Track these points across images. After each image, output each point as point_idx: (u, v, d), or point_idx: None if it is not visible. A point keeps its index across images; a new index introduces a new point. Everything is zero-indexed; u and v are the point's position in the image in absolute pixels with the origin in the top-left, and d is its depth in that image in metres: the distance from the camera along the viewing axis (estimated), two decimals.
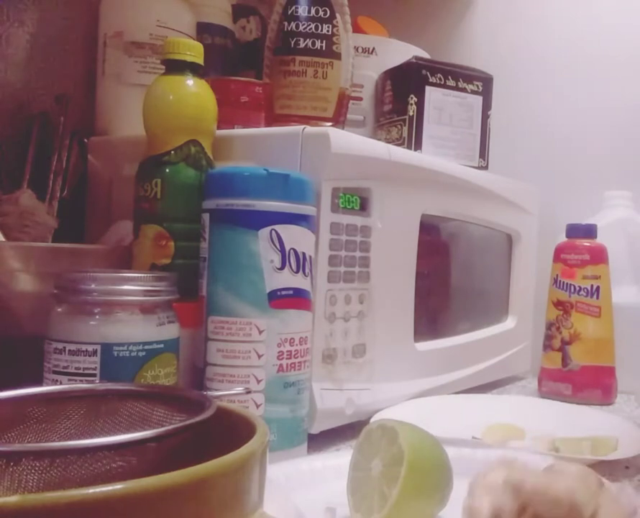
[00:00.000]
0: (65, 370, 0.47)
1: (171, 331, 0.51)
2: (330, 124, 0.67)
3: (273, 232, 0.53)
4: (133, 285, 0.49)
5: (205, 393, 0.41)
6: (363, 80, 0.88)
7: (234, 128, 0.71)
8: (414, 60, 0.83)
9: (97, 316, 0.48)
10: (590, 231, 0.91)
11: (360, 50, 0.89)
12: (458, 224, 0.85)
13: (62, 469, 0.30)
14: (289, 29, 0.67)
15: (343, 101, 0.69)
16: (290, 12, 0.67)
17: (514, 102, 1.11)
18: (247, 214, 0.53)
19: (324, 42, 0.67)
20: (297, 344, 0.55)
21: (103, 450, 0.30)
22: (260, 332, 0.53)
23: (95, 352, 0.47)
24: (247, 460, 0.29)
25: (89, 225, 0.80)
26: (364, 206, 0.66)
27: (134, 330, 0.48)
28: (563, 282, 0.91)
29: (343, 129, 0.68)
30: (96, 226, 0.77)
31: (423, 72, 0.83)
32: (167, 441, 0.32)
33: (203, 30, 0.88)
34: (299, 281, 0.54)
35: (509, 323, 0.99)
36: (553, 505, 0.36)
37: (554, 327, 0.92)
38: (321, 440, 0.61)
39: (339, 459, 0.51)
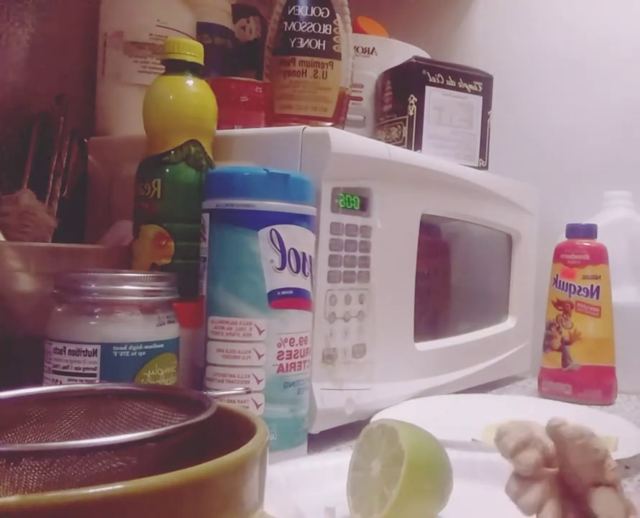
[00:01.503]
0: (65, 370, 0.47)
1: (171, 331, 0.51)
2: (330, 124, 0.67)
3: (273, 232, 0.53)
4: (133, 285, 0.49)
5: (205, 393, 0.41)
6: (363, 80, 0.88)
7: (234, 128, 0.71)
8: (414, 60, 0.83)
9: (97, 316, 0.48)
10: (590, 231, 0.91)
11: (360, 49, 0.89)
12: (458, 224, 0.85)
13: (62, 469, 0.30)
14: (289, 29, 0.67)
15: (343, 101, 0.69)
16: (290, 12, 0.67)
17: (514, 102, 1.11)
18: (247, 214, 0.53)
19: (324, 42, 0.67)
20: (297, 344, 0.55)
21: (103, 450, 0.30)
22: (260, 332, 0.53)
23: (95, 352, 0.47)
24: (247, 460, 0.29)
25: (89, 225, 0.80)
26: (364, 206, 0.66)
27: (134, 330, 0.48)
28: (563, 282, 0.91)
29: (343, 129, 0.68)
30: (95, 226, 0.77)
31: (423, 72, 0.83)
32: (167, 441, 0.32)
33: (203, 30, 0.88)
34: (299, 281, 0.54)
35: (509, 323, 0.99)
36: (586, 454, 0.35)
37: (554, 327, 0.92)
38: (321, 440, 0.61)
39: (339, 459, 0.51)
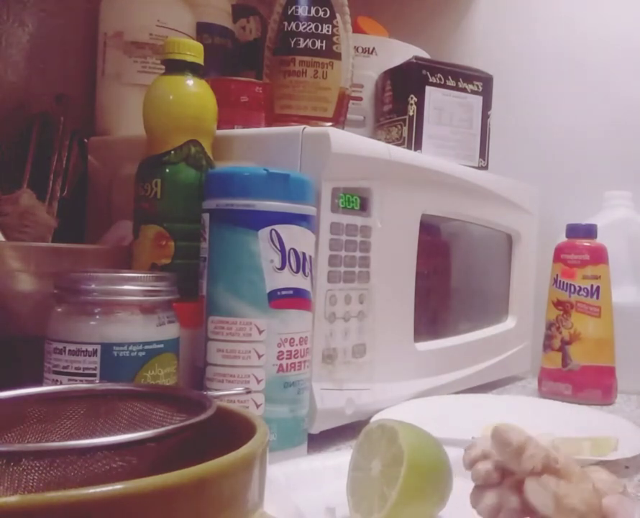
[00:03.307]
0: (65, 370, 0.47)
1: (171, 331, 0.51)
2: (330, 124, 0.67)
3: (273, 232, 0.53)
4: (133, 285, 0.49)
5: (205, 393, 0.41)
6: (363, 80, 0.88)
7: (234, 128, 0.71)
8: (414, 60, 0.83)
9: (97, 316, 0.48)
10: (590, 231, 0.91)
11: (360, 49, 0.89)
12: (458, 224, 0.85)
13: (62, 469, 0.30)
14: (289, 29, 0.67)
15: (343, 101, 0.69)
16: (290, 12, 0.67)
17: (514, 102, 1.11)
18: (246, 214, 0.53)
19: (324, 42, 0.67)
20: (297, 344, 0.55)
21: (103, 450, 0.30)
22: (260, 332, 0.53)
23: (95, 352, 0.47)
24: (247, 460, 0.29)
25: (89, 225, 0.80)
26: (364, 206, 0.66)
27: (134, 330, 0.48)
28: (563, 282, 0.91)
29: (343, 129, 0.68)
30: (95, 226, 0.77)
31: (423, 72, 0.83)
32: (167, 441, 0.32)
33: (203, 30, 0.88)
34: (299, 281, 0.54)
35: (509, 323, 0.99)
36: (503, 449, 0.37)
37: (554, 327, 0.92)
38: (321, 440, 0.61)
39: (339, 459, 0.51)
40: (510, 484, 0.37)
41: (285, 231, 0.53)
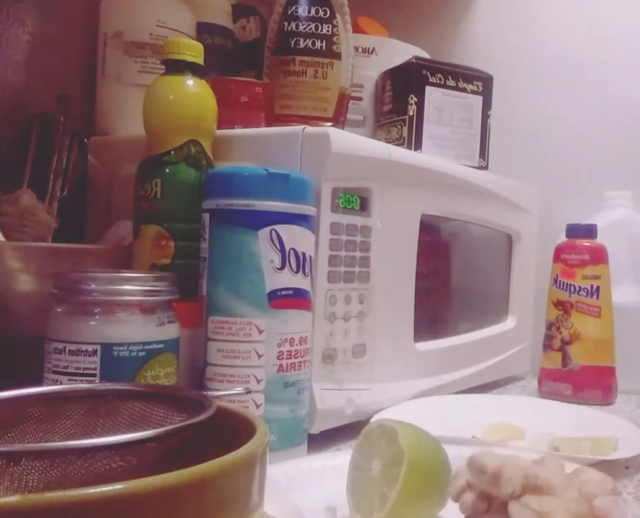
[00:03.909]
0: (65, 370, 0.47)
1: (171, 331, 0.51)
2: (330, 124, 0.67)
3: (273, 232, 0.53)
4: (133, 285, 0.49)
5: (205, 393, 0.41)
6: (363, 80, 0.88)
7: (234, 128, 0.71)
8: (414, 60, 0.83)
9: (97, 316, 0.48)
10: (590, 231, 0.91)
11: (360, 49, 0.89)
12: (458, 224, 0.85)
13: (62, 469, 0.30)
14: (289, 29, 0.67)
15: (343, 101, 0.69)
16: (290, 12, 0.67)
17: (514, 102, 1.11)
18: (247, 214, 0.53)
19: (324, 42, 0.67)
20: (297, 344, 0.55)
21: (103, 450, 0.30)
22: (260, 332, 0.53)
23: (95, 352, 0.47)
24: (247, 460, 0.29)
25: (89, 225, 0.80)
26: (364, 206, 0.66)
27: (134, 330, 0.48)
28: (563, 282, 0.91)
29: (343, 129, 0.68)
30: (95, 226, 0.77)
31: (423, 72, 0.83)
32: (167, 441, 0.32)
33: (203, 30, 0.88)
34: (299, 281, 0.54)
35: (509, 323, 0.99)
36: (480, 476, 0.37)
37: (554, 327, 0.92)
38: (321, 440, 0.61)
39: (339, 459, 0.51)
40: (498, 509, 0.38)
41: (285, 231, 0.53)
